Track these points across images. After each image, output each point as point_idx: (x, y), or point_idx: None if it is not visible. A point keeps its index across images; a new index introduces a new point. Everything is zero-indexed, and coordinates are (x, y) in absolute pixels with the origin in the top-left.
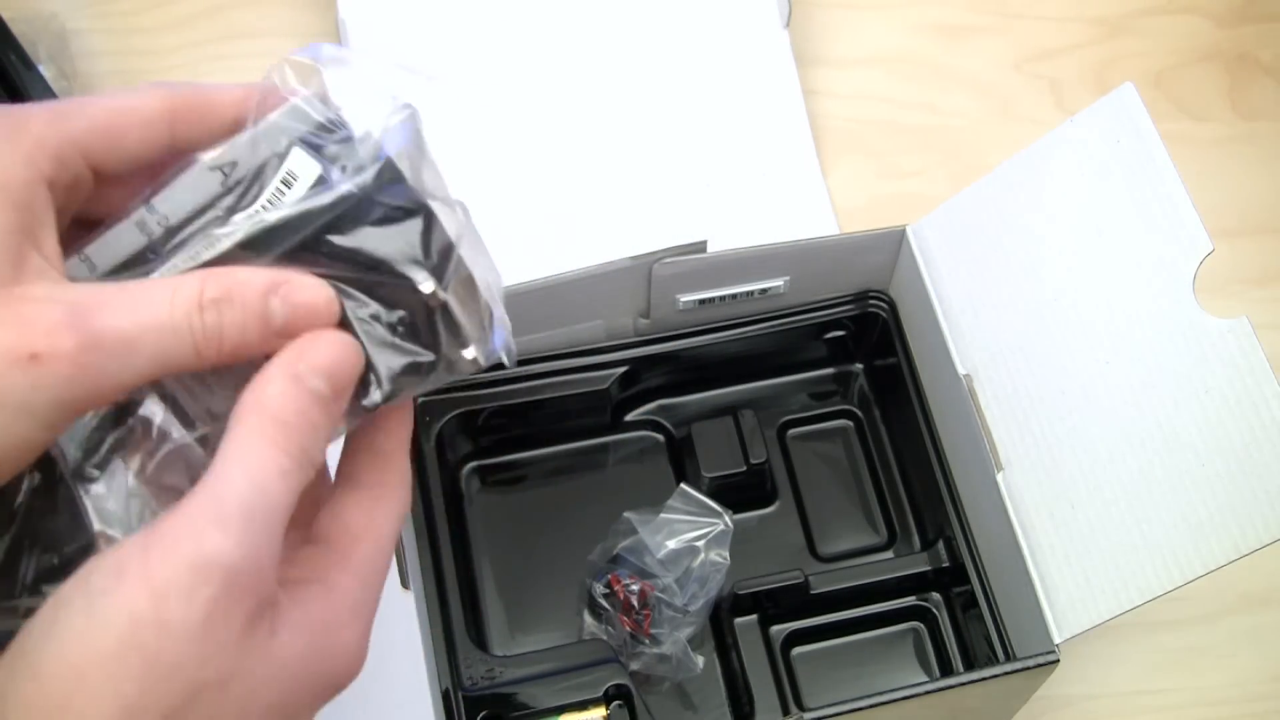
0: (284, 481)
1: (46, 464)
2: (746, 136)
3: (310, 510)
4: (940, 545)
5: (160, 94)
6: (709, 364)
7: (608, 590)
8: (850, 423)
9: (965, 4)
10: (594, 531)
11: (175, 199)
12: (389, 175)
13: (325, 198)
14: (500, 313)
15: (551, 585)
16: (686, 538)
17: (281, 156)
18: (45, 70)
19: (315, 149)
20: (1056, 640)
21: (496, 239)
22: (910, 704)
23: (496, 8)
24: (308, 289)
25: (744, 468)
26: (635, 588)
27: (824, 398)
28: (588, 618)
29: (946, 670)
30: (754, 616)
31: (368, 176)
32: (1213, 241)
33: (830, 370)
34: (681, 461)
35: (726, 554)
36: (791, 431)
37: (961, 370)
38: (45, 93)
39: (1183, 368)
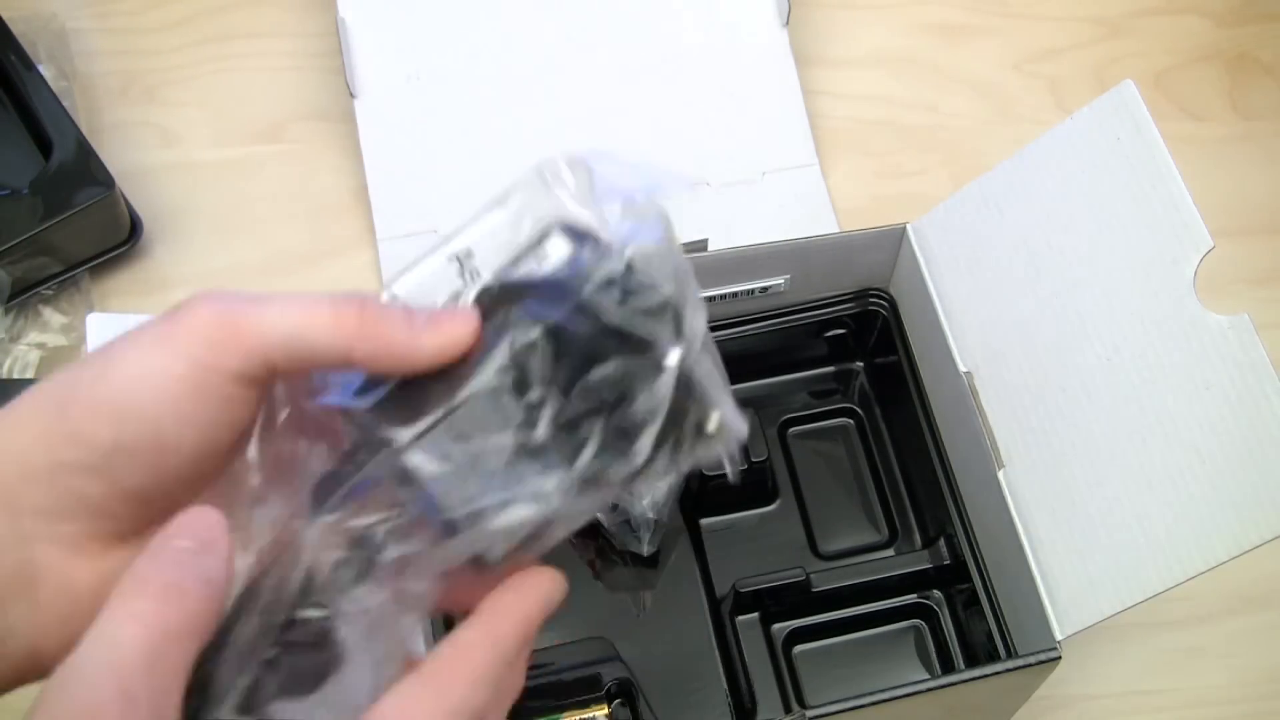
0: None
1: None
2: (746, 136)
3: None
4: (941, 543)
5: (349, 331)
6: None
7: None
8: (851, 421)
9: (965, 4)
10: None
11: (412, 285)
12: (638, 272)
13: (573, 270)
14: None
15: None
16: None
17: (536, 242)
18: (45, 70)
19: (571, 238)
20: (1058, 637)
21: None
22: (912, 701)
23: (496, 8)
24: None
25: (745, 466)
26: None
27: (825, 396)
28: None
29: (948, 668)
30: (755, 614)
31: (616, 267)
32: (1213, 239)
33: (831, 368)
34: None
35: None
36: (792, 430)
37: (962, 368)
38: (45, 93)
39: (1183, 365)
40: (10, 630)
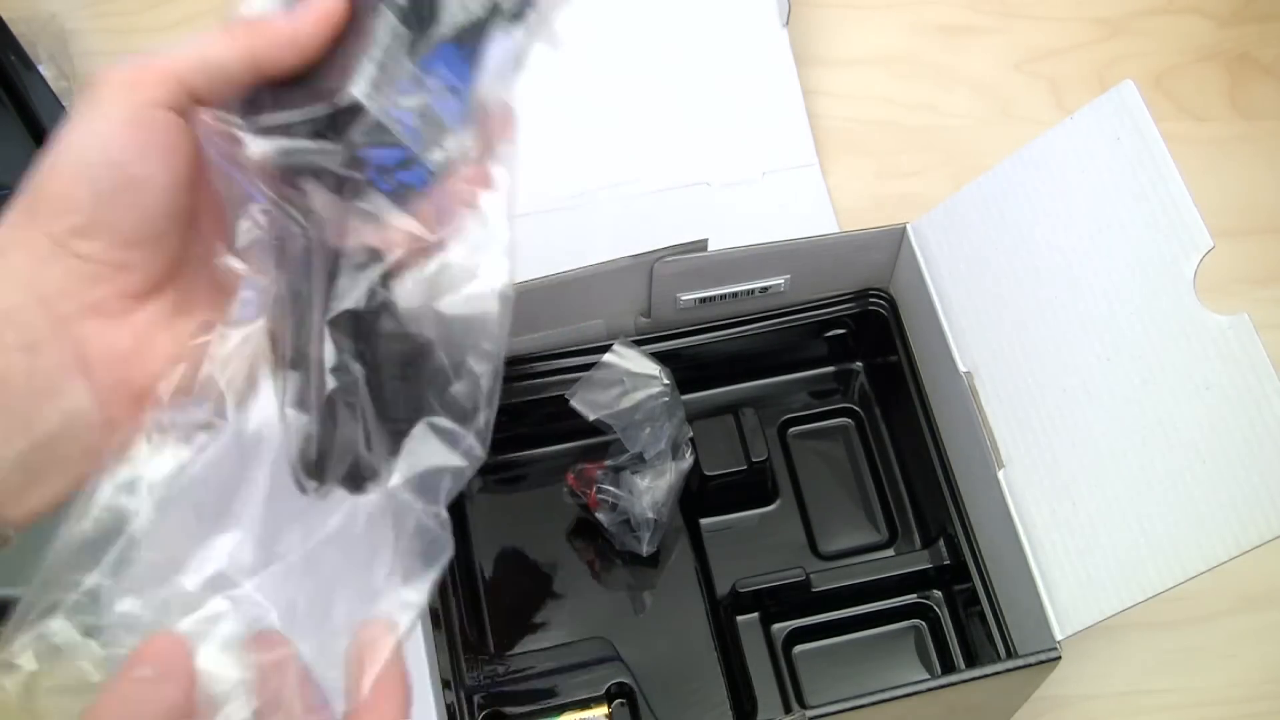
0: None
1: None
2: (746, 136)
3: None
4: (941, 543)
5: (243, 39)
6: (710, 362)
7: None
8: (851, 421)
9: (965, 4)
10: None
11: None
12: None
13: None
14: None
15: (553, 583)
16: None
17: None
18: (45, 70)
19: None
20: (1058, 637)
21: None
22: (912, 701)
23: None
24: None
25: (745, 466)
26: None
27: (825, 396)
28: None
29: (948, 668)
30: (755, 614)
31: None
32: (1213, 239)
33: (831, 368)
34: None
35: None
36: (792, 430)
37: (962, 368)
38: (45, 93)
39: (1183, 364)
40: (77, 410)
